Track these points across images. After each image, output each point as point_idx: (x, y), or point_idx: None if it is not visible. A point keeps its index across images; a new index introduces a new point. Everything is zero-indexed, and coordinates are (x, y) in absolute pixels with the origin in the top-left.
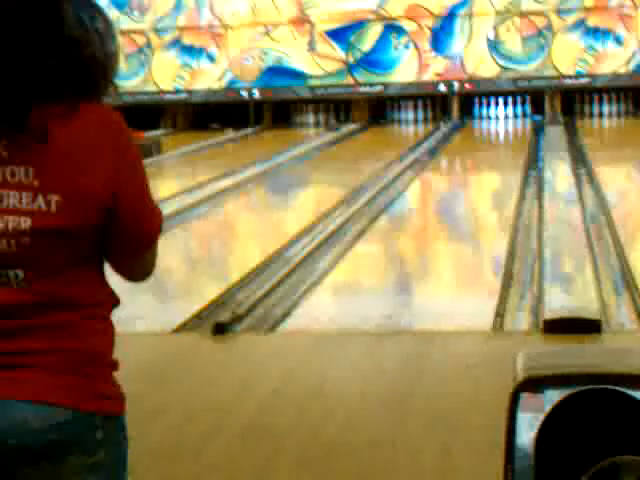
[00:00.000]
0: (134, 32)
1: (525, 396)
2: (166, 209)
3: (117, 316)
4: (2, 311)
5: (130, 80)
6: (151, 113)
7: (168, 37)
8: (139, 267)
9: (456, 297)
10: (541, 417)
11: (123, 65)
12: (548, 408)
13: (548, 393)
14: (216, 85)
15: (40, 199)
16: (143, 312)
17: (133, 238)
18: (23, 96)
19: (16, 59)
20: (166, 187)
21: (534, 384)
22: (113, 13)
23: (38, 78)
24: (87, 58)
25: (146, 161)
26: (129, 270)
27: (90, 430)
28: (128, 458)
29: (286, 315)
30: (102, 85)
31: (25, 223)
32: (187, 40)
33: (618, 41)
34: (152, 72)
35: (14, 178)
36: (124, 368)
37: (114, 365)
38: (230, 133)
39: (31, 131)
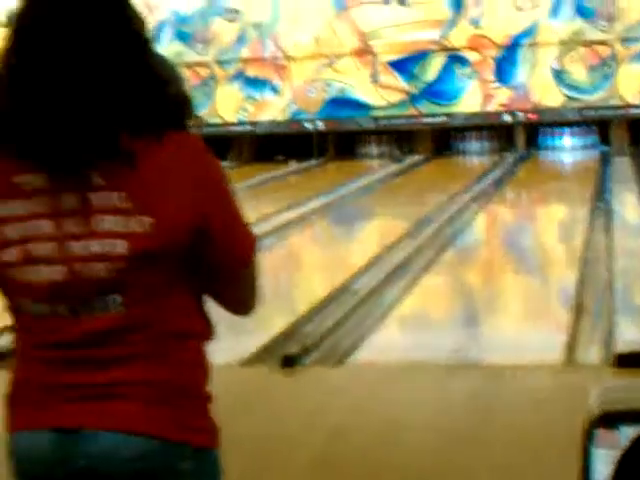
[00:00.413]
0: (198, 64)
1: (600, 432)
2: None
3: None
4: (98, 338)
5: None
6: (217, 145)
7: (232, 69)
8: (237, 295)
9: (525, 330)
10: (617, 453)
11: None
12: (624, 444)
13: (624, 429)
14: (280, 117)
15: (134, 222)
16: (211, 345)
17: (225, 260)
18: (117, 128)
19: (112, 95)
20: None
21: (609, 420)
22: (177, 46)
23: (130, 112)
24: (172, 95)
25: None
26: (228, 299)
27: (179, 460)
28: None
29: (354, 348)
30: (186, 117)
31: (121, 246)
32: (251, 72)
33: None
34: (216, 104)
35: (109, 203)
36: None
37: (208, 397)
38: (294, 165)
39: (122, 159)
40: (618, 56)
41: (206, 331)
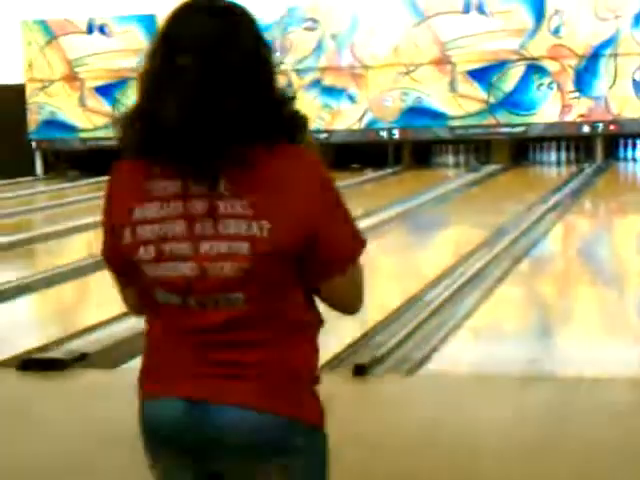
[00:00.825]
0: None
1: None
2: None
3: None
4: (221, 328)
5: None
6: None
7: (309, 77)
8: (343, 292)
9: (601, 342)
10: None
11: None
12: None
13: None
14: (356, 125)
15: (255, 226)
16: None
17: (333, 254)
18: (241, 142)
19: (238, 115)
20: None
21: None
22: None
23: (254, 128)
24: (287, 113)
25: None
26: (333, 297)
27: (293, 436)
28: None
29: (426, 358)
30: (300, 132)
31: (244, 248)
32: (328, 81)
33: None
34: None
35: (234, 209)
36: None
37: (316, 380)
38: (370, 173)
39: (245, 169)
40: None
41: (316, 321)
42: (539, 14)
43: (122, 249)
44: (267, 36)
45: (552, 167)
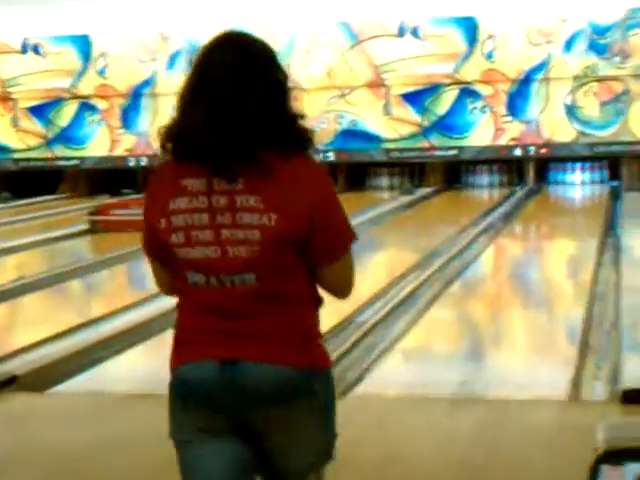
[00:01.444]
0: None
1: (606, 468)
2: None
3: None
4: (238, 302)
5: None
6: None
7: None
8: (337, 278)
9: (531, 365)
10: None
11: None
12: None
13: (630, 466)
14: None
15: (265, 217)
16: None
17: (328, 244)
18: (258, 148)
19: (257, 126)
20: None
21: (615, 456)
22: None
23: (268, 136)
24: (299, 127)
25: None
26: (330, 281)
27: (309, 382)
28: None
29: (358, 380)
30: (308, 143)
31: (255, 235)
32: None
33: None
34: None
35: (248, 203)
36: None
37: (320, 335)
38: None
39: (260, 171)
40: (631, 92)
41: (317, 298)
42: (472, 38)
43: (159, 235)
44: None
45: (484, 190)
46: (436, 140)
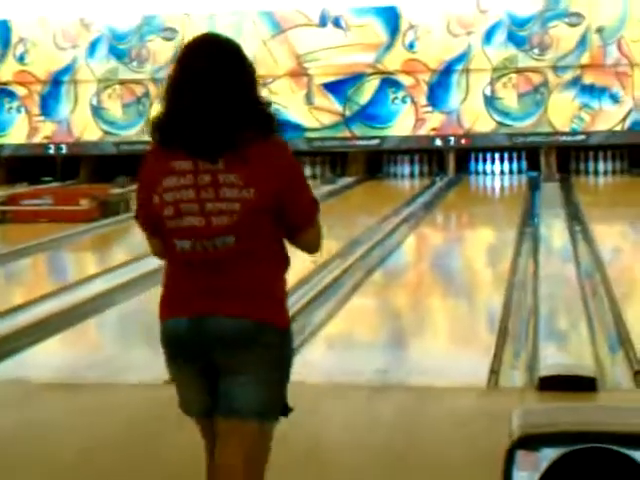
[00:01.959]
0: (134, 82)
1: (521, 454)
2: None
3: (112, 366)
4: (218, 263)
5: (128, 129)
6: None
7: None
8: (307, 241)
9: (451, 353)
10: (537, 476)
11: (122, 116)
12: (544, 466)
13: (544, 451)
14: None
15: (244, 192)
16: (137, 363)
17: (298, 216)
18: (236, 134)
19: (233, 114)
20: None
21: (530, 442)
22: (112, 62)
23: (244, 122)
24: (269, 111)
25: (112, 219)
26: (304, 244)
27: (265, 334)
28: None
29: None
30: (275, 126)
31: (236, 205)
32: None
33: (614, 99)
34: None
35: (229, 180)
36: (116, 419)
37: (284, 298)
38: None
39: (239, 153)
40: (550, 84)
41: (285, 261)
42: (394, 29)
43: (153, 210)
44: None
45: (405, 180)
46: (358, 130)
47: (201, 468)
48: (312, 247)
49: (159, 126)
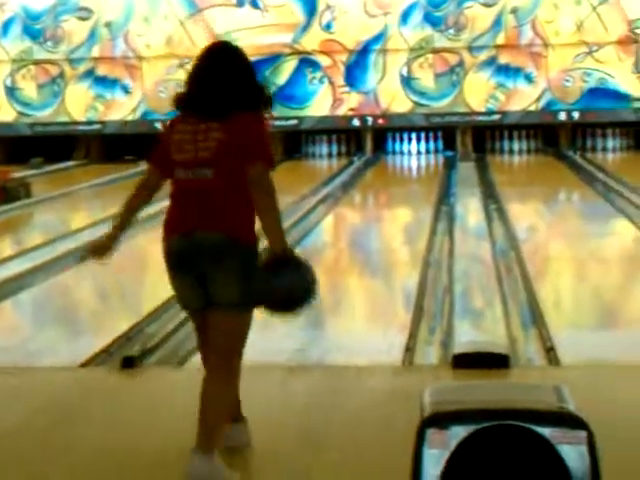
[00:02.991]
0: (48, 62)
1: (431, 432)
2: (77, 242)
3: (26, 349)
4: (199, 191)
5: (43, 111)
6: (64, 144)
7: (82, 68)
8: (262, 182)
9: (368, 331)
10: (447, 453)
11: (35, 96)
12: (454, 444)
13: (454, 429)
14: (130, 116)
15: (221, 135)
16: (52, 346)
17: (254, 150)
18: (228, 106)
19: (232, 93)
20: (77, 219)
21: (440, 420)
22: (26, 43)
23: (236, 100)
24: (265, 93)
25: (13, 205)
26: (257, 182)
27: (235, 247)
28: None
29: (197, 348)
30: (268, 103)
31: (214, 143)
32: (101, 71)
33: (528, 79)
34: (65, 103)
35: (214, 134)
36: (31, 402)
37: (251, 221)
38: (144, 165)
39: (225, 119)
40: (466, 64)
41: (249, 194)
42: (311, 9)
43: (168, 146)
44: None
45: (324, 160)
46: (276, 110)
47: (116, 453)
48: (268, 192)
49: (182, 101)
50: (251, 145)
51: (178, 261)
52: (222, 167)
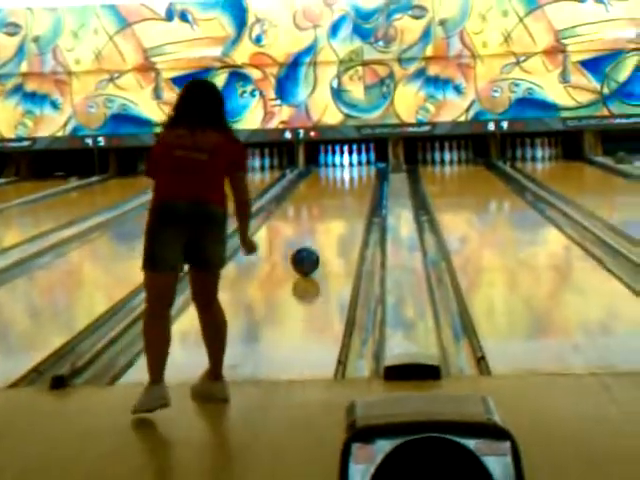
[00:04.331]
0: None
1: (356, 447)
2: (7, 259)
3: None
4: (196, 167)
5: None
6: None
7: (10, 83)
8: (243, 185)
9: (301, 345)
10: (372, 468)
11: None
12: (379, 458)
13: (379, 443)
14: (60, 132)
15: (218, 139)
16: None
17: (237, 164)
18: (211, 126)
19: (211, 118)
20: (8, 236)
21: (365, 434)
22: None
23: (215, 122)
24: (224, 113)
25: None
26: (238, 185)
27: (223, 219)
28: None
29: (129, 366)
30: (229, 124)
31: (213, 139)
32: (30, 87)
33: (458, 90)
34: None
35: (211, 135)
36: None
37: (226, 196)
38: (74, 181)
39: (209, 134)
40: (396, 76)
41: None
42: (241, 22)
43: (169, 148)
44: None
45: (256, 173)
46: None
47: (45, 474)
48: (246, 192)
49: (174, 118)
50: (238, 156)
51: (178, 221)
52: (214, 155)
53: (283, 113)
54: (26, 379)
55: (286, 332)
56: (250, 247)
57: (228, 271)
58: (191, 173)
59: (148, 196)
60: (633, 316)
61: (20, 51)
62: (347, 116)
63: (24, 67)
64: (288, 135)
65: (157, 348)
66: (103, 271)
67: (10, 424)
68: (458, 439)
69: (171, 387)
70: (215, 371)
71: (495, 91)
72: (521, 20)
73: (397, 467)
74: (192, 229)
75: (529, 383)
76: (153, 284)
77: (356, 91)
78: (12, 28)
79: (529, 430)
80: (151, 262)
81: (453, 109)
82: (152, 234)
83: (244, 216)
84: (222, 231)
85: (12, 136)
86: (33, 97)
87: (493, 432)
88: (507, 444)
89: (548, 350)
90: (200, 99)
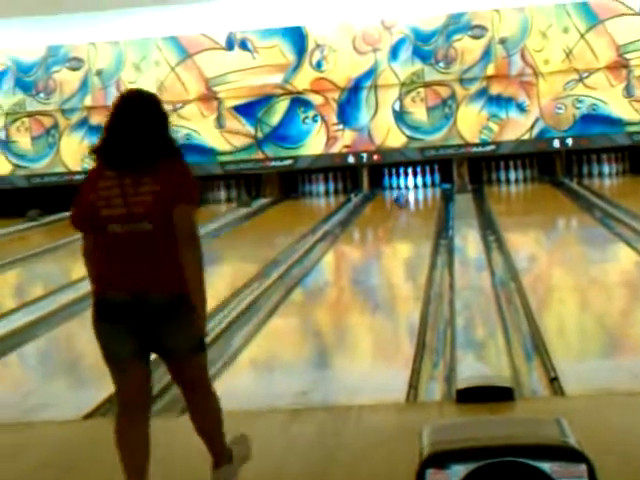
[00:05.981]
0: (42, 114)
1: (431, 472)
2: (78, 291)
3: (28, 404)
4: (139, 245)
5: (38, 162)
6: (62, 194)
7: (75, 117)
8: (186, 222)
9: (371, 369)
10: None
11: (30, 147)
12: None
13: (454, 468)
14: None
15: (156, 189)
16: (55, 399)
17: (181, 195)
18: (150, 156)
19: (149, 143)
20: (76, 269)
21: (439, 460)
22: (18, 95)
23: (157, 150)
24: (173, 144)
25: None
26: (182, 222)
27: (183, 302)
28: None
29: None
30: (179, 153)
31: (149, 197)
32: (95, 120)
33: (520, 108)
34: (60, 153)
35: (145, 187)
36: (34, 457)
37: (179, 269)
38: None
39: (152, 169)
40: (457, 96)
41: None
42: (301, 49)
43: (92, 203)
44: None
45: (321, 198)
46: (270, 151)
47: None
48: (191, 232)
49: (98, 151)
50: (178, 190)
51: (120, 316)
52: (160, 219)
53: (346, 137)
54: (100, 409)
55: (356, 357)
56: (198, 329)
57: (296, 296)
58: (133, 253)
59: (216, 224)
60: None
61: (84, 85)
62: (410, 138)
63: (88, 101)
64: (351, 159)
65: (131, 459)
66: None
67: (86, 454)
68: (533, 463)
69: (242, 414)
70: (214, 459)
71: (559, 108)
72: (582, 36)
73: None
74: (140, 322)
75: (603, 403)
76: (116, 382)
77: (418, 113)
78: (75, 63)
79: (605, 452)
80: (106, 358)
81: (517, 127)
82: (95, 328)
83: (193, 267)
84: (183, 313)
85: (79, 169)
86: (98, 130)
87: (569, 455)
88: (583, 466)
89: (622, 369)
90: (131, 123)
